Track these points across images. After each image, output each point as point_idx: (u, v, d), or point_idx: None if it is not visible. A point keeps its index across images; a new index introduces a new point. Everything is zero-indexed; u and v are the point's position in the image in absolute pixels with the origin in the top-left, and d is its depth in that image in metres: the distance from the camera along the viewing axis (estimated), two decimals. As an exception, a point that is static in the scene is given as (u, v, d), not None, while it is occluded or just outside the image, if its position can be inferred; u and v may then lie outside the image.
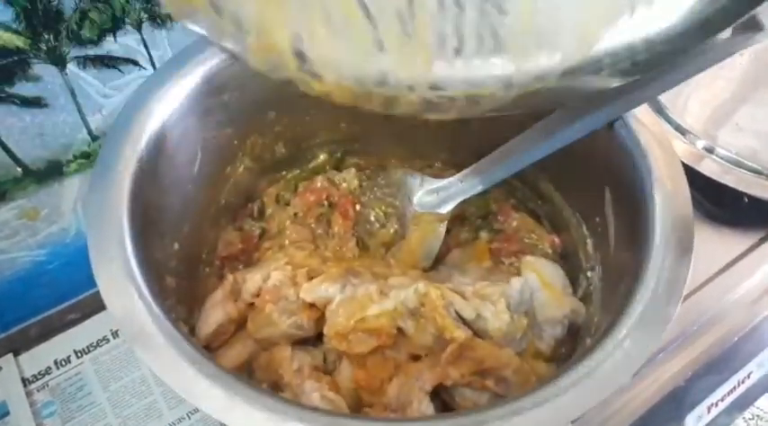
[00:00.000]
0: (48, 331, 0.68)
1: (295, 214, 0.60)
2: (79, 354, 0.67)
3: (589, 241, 0.53)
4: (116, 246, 0.39)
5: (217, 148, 0.54)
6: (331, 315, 0.48)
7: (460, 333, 0.45)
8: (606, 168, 0.49)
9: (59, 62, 0.53)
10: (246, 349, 0.50)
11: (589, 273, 0.52)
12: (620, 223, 0.48)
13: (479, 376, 0.44)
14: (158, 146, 0.46)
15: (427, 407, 0.44)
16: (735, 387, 0.62)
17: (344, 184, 0.61)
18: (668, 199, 0.43)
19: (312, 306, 0.49)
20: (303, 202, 0.60)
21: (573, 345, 0.50)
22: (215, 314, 0.50)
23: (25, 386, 0.64)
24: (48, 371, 0.66)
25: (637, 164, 0.45)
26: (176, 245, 0.49)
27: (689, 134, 0.70)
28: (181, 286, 0.49)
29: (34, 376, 0.65)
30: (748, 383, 0.63)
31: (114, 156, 0.43)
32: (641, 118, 0.47)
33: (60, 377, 0.66)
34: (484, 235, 0.59)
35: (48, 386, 0.65)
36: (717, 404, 0.61)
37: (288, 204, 0.61)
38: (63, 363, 0.67)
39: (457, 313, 0.46)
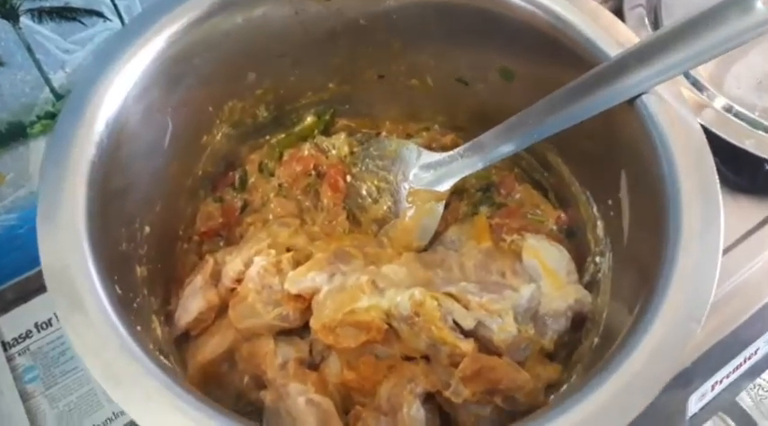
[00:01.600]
0: (25, 293, 0.65)
1: (280, 185, 0.55)
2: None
3: (599, 223, 0.49)
4: (71, 253, 0.35)
5: (190, 117, 0.49)
6: (318, 306, 0.45)
7: (467, 346, 0.42)
8: (624, 148, 0.44)
9: (11, 16, 0.48)
10: (228, 338, 0.47)
11: (598, 258, 0.49)
12: (637, 210, 0.44)
13: (488, 393, 0.42)
14: (120, 125, 0.41)
15: (417, 411, 0.41)
16: (741, 364, 0.59)
17: (334, 151, 0.56)
18: (695, 192, 0.38)
19: (298, 295, 0.46)
20: (288, 172, 0.55)
21: (577, 336, 0.47)
22: (195, 301, 0.47)
23: (6, 350, 0.62)
24: (28, 334, 0.63)
25: (659, 149, 0.40)
26: (147, 229, 0.45)
27: (707, 90, 0.64)
28: (153, 272, 0.46)
29: (15, 339, 0.63)
30: (755, 358, 0.60)
31: (67, 141, 0.38)
32: (665, 94, 0.41)
33: (42, 341, 0.63)
34: (484, 209, 0.54)
35: (29, 349, 0.63)
36: (721, 381, 0.59)
37: (272, 174, 0.56)
38: (44, 326, 0.64)
39: (455, 321, 0.42)
